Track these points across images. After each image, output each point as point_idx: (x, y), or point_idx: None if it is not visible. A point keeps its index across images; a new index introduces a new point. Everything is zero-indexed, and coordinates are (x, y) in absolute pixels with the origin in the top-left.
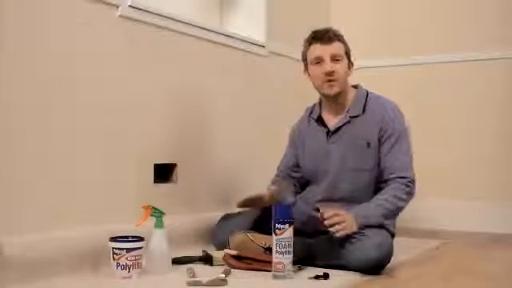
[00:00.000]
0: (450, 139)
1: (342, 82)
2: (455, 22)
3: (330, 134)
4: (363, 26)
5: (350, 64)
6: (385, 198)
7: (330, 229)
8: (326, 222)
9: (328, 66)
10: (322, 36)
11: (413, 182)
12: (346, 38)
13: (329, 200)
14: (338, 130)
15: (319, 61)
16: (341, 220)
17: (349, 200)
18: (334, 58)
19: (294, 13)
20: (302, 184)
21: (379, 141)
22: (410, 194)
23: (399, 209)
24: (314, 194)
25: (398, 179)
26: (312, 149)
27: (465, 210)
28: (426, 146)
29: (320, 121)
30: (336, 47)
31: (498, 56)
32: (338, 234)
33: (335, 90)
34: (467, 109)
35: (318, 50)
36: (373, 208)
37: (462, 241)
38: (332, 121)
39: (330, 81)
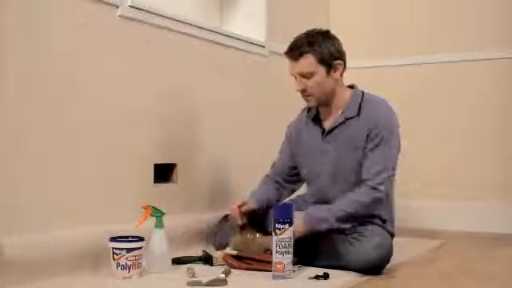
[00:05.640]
0: (450, 139)
1: (319, 94)
2: (455, 22)
3: (325, 133)
4: (363, 26)
5: (334, 68)
6: (346, 203)
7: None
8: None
9: (298, 84)
10: (289, 52)
11: (380, 186)
12: (345, 38)
13: (324, 201)
14: (332, 130)
15: (293, 77)
16: None
17: None
18: (303, 75)
19: (293, 13)
20: (293, 184)
21: (366, 141)
22: (377, 200)
23: (360, 214)
24: (311, 195)
25: (368, 182)
26: (308, 148)
27: (465, 210)
28: (425, 146)
29: (316, 120)
30: (302, 64)
31: (498, 56)
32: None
33: (312, 103)
34: (467, 109)
35: (289, 67)
36: (328, 212)
37: (462, 241)
38: (328, 121)
39: (304, 96)
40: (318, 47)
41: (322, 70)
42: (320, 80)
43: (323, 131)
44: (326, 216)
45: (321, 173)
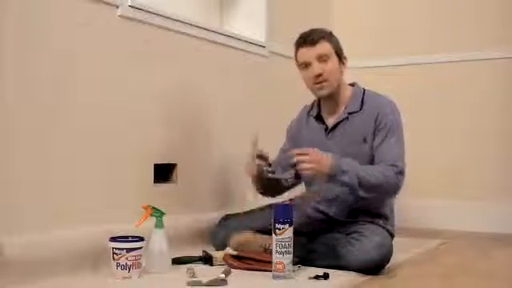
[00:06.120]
0: (450, 139)
1: (333, 82)
2: (455, 22)
3: (328, 130)
4: (364, 26)
5: (342, 60)
6: (374, 169)
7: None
8: (295, 159)
9: (315, 68)
10: (307, 39)
11: (402, 173)
12: (346, 38)
13: (326, 200)
14: (335, 126)
15: (307, 65)
16: (308, 159)
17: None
18: (321, 59)
19: (294, 13)
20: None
21: (373, 134)
22: (396, 185)
23: (379, 187)
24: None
25: (392, 167)
26: (310, 146)
27: (465, 210)
28: (426, 145)
29: (319, 118)
30: (321, 48)
31: (498, 56)
32: (303, 172)
33: (326, 91)
34: (467, 109)
35: (304, 54)
36: (355, 168)
37: (462, 241)
38: (330, 118)
39: (319, 82)
40: (331, 38)
41: (335, 58)
42: (334, 67)
43: (326, 128)
44: (350, 171)
45: None
